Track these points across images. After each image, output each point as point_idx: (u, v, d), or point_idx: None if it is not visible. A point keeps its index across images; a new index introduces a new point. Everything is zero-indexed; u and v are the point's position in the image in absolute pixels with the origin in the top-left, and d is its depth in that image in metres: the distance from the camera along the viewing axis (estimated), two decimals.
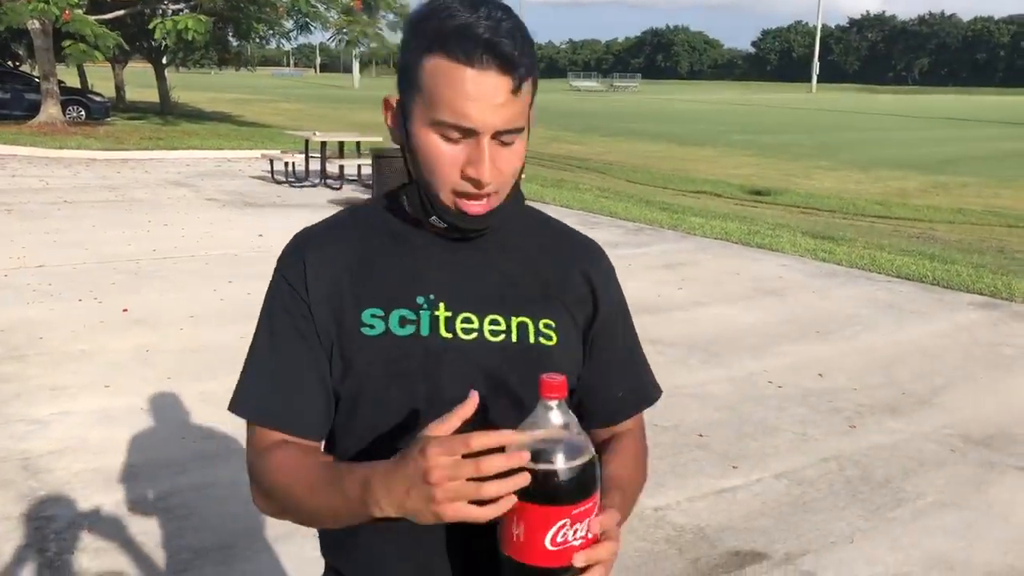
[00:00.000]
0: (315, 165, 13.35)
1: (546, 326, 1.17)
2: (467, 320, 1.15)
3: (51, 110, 19.64)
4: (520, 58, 1.05)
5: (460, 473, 0.90)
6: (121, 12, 19.00)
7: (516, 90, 1.06)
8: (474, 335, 1.15)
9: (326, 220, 1.28)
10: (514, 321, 1.16)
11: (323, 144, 13.20)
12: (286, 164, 13.15)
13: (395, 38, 22.22)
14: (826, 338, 6.11)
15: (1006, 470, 4.10)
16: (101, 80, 30.50)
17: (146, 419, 4.35)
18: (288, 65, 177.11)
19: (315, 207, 11.10)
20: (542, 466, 0.92)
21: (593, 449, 0.96)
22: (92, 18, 17.54)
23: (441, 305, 1.16)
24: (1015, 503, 3.78)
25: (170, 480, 3.72)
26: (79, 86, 25.72)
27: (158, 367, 5.07)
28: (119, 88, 29.49)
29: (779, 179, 16.84)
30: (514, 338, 1.16)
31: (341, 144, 13.90)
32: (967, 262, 8.88)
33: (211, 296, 6.63)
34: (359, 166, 13.28)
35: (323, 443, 1.23)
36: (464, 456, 0.90)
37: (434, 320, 1.15)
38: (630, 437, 1.28)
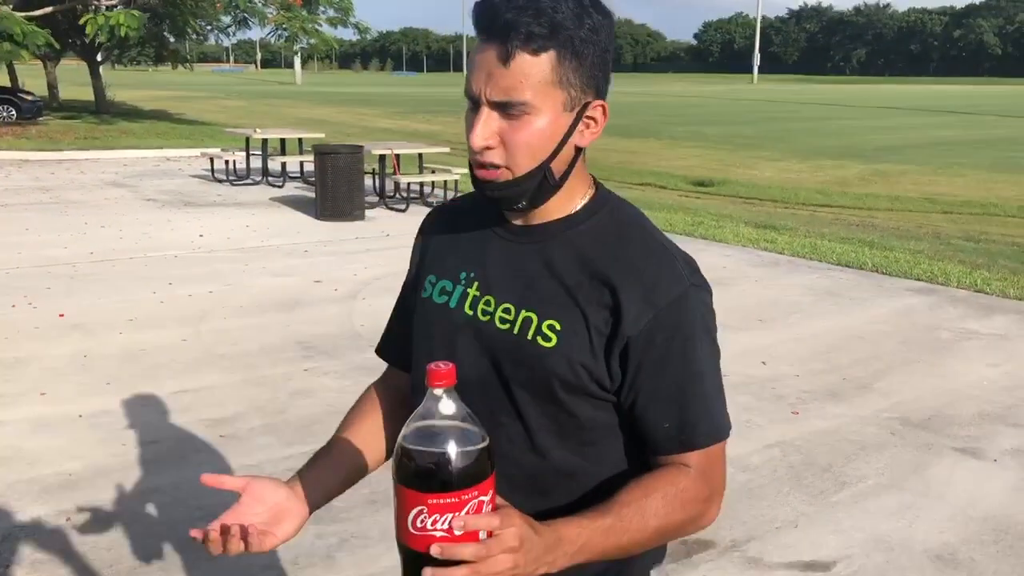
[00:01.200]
0: (256, 163, 13.16)
1: (549, 327, 1.17)
2: (487, 303, 1.22)
3: None
4: (518, 30, 1.06)
5: None
6: (50, 9, 18.47)
7: (505, 60, 1.08)
8: (488, 318, 1.21)
9: (462, 195, 1.41)
10: (522, 314, 1.19)
11: (264, 141, 13.01)
12: (227, 162, 12.94)
13: (335, 33, 21.98)
14: (769, 326, 6.20)
15: (943, 451, 4.20)
16: (32, 78, 29.68)
17: (84, 426, 4.24)
18: (228, 61, 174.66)
19: (257, 205, 10.95)
20: (405, 445, 0.94)
21: (472, 447, 0.94)
22: (20, 15, 17.03)
23: (476, 284, 1.24)
24: (951, 483, 3.88)
25: (110, 488, 3.63)
26: (9, 85, 24.98)
27: (96, 373, 4.96)
28: (52, 86, 28.72)
29: (722, 170, 17.06)
30: (516, 330, 1.19)
31: (283, 141, 13.72)
32: (905, 248, 9.08)
33: (151, 299, 6.50)
34: (301, 163, 13.13)
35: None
36: None
37: (463, 296, 1.24)
38: (680, 472, 1.18)
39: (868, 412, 4.66)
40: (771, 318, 6.39)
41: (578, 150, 1.18)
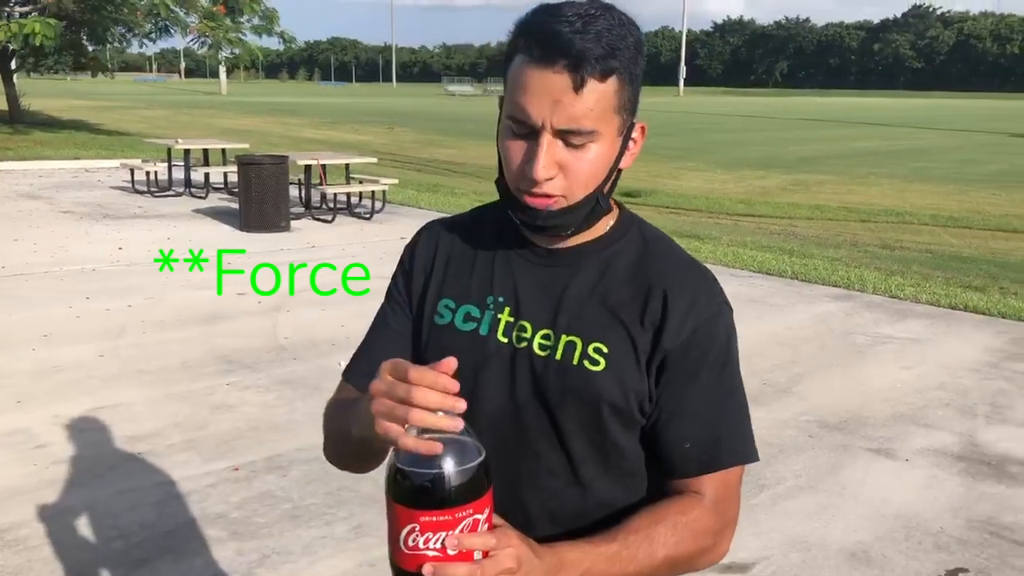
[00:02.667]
0: (179, 174, 12.89)
1: (596, 350, 1.14)
2: (523, 329, 1.17)
3: None
4: (589, 58, 1.03)
5: (394, 393, 0.92)
6: None
7: (578, 88, 1.04)
8: (524, 344, 1.16)
9: (457, 214, 1.34)
10: (563, 339, 1.15)
11: (187, 152, 12.76)
12: (148, 173, 12.64)
13: (259, 43, 21.65)
14: None
15: (858, 452, 4.33)
16: None
17: None
18: (151, 71, 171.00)
19: (178, 217, 10.73)
20: (398, 464, 0.90)
21: (468, 464, 0.90)
22: None
23: (507, 309, 1.19)
24: (865, 483, 3.99)
25: (19, 510, 3.51)
26: None
27: (7, 390, 4.78)
28: None
29: (649, 180, 17.29)
30: (558, 355, 1.15)
31: (206, 151, 13.47)
32: (824, 256, 9.34)
33: (67, 313, 6.31)
34: (225, 174, 12.91)
35: None
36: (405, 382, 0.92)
37: (495, 322, 1.19)
38: (693, 500, 1.13)
39: (787, 415, 4.78)
40: None
41: (619, 172, 1.18)
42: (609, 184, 1.15)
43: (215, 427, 4.39)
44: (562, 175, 1.09)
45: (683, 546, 1.09)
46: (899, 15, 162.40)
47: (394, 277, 1.32)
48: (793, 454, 4.28)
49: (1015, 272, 9.03)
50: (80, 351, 5.47)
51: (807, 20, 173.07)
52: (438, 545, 0.88)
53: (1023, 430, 4.68)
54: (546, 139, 1.07)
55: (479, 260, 1.24)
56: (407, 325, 1.28)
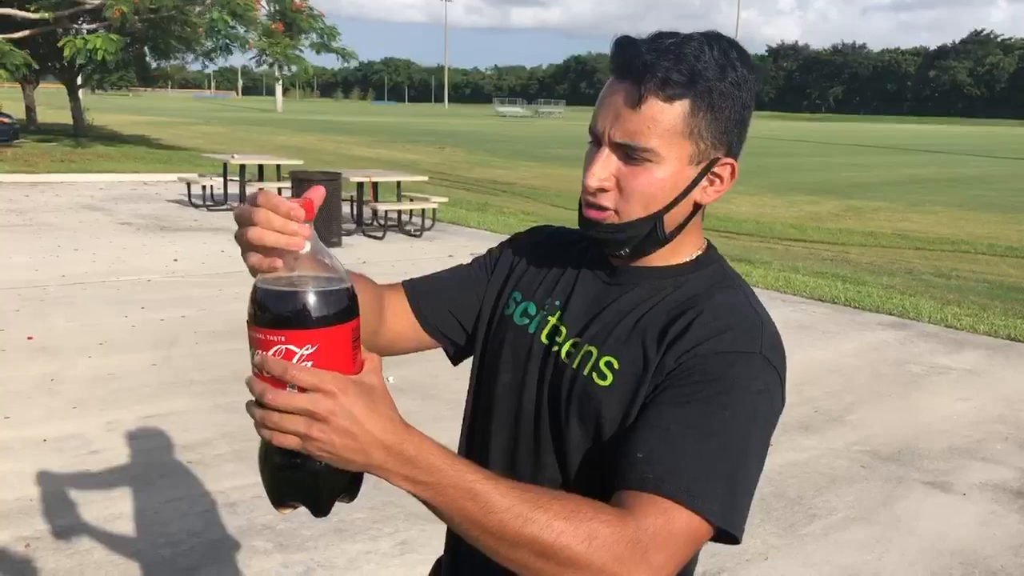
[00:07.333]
0: (234, 188, 13.12)
1: (607, 364, 1.10)
2: (559, 333, 1.18)
3: None
4: (654, 75, 1.03)
5: (244, 216, 0.93)
6: (27, 32, 18.38)
7: (635, 104, 1.04)
8: (556, 348, 1.17)
9: (571, 228, 1.34)
10: (584, 348, 1.13)
11: (242, 167, 12.98)
12: (204, 187, 12.89)
13: (318, 60, 21.97)
14: None
15: (913, 484, 4.22)
16: (10, 101, 29.51)
17: (48, 451, 4.17)
18: (210, 88, 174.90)
19: (232, 231, 10.84)
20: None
21: (282, 287, 0.86)
22: None
23: (557, 314, 1.20)
24: (921, 516, 3.89)
25: (72, 514, 3.57)
26: None
27: (63, 396, 4.88)
28: (29, 109, 28.55)
29: None
30: (575, 364, 1.14)
31: (260, 167, 13.70)
32: (878, 283, 9.17)
33: (122, 323, 6.43)
34: (279, 189, 13.05)
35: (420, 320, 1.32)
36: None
37: (543, 323, 1.21)
38: (616, 512, 0.91)
39: (839, 445, 4.68)
40: None
41: (696, 207, 1.14)
42: (676, 213, 1.11)
43: None
44: (617, 190, 1.09)
45: (565, 538, 0.86)
46: (957, 41, 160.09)
47: (489, 250, 1.36)
48: (845, 484, 4.19)
49: None
50: (134, 359, 5.57)
51: (863, 46, 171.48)
52: (258, 360, 0.85)
53: None
54: (604, 150, 1.08)
55: (556, 266, 1.26)
56: (482, 280, 1.32)
